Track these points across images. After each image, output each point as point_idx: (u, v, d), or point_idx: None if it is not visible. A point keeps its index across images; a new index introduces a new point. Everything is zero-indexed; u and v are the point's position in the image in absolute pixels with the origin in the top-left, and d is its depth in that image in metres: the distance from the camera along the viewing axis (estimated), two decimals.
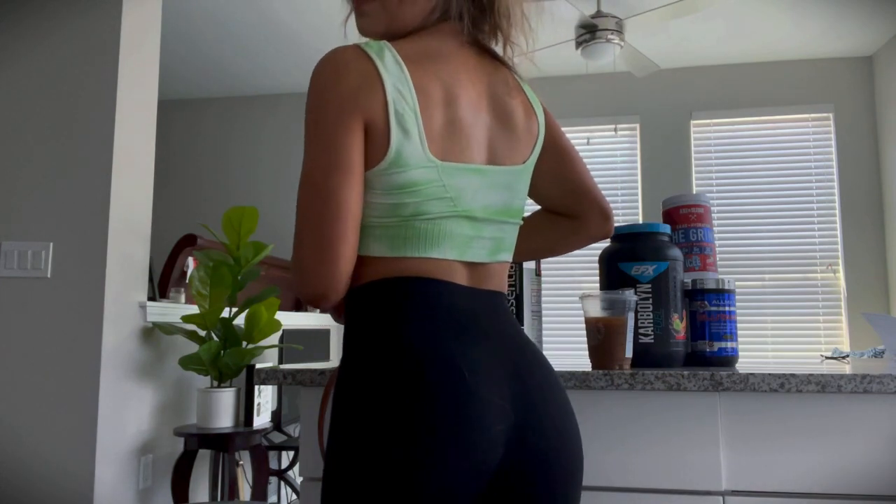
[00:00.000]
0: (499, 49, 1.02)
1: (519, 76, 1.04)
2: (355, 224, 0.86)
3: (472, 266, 0.94)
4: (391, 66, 0.88)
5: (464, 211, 0.91)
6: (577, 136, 4.92)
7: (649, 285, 1.33)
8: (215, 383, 2.61)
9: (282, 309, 3.66)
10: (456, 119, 0.91)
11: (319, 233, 0.84)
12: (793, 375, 1.10)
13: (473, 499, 0.83)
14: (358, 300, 0.90)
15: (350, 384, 0.85)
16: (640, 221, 4.75)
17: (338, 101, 0.86)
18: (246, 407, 2.66)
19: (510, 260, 1.02)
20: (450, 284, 0.90)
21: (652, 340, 1.31)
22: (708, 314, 1.37)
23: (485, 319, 0.91)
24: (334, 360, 4.83)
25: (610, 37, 3.47)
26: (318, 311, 0.76)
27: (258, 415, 2.70)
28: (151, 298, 3.00)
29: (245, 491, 3.04)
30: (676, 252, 1.36)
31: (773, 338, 4.53)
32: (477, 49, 1.00)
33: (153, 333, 2.67)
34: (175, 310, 2.78)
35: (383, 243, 0.89)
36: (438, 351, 0.83)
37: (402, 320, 0.86)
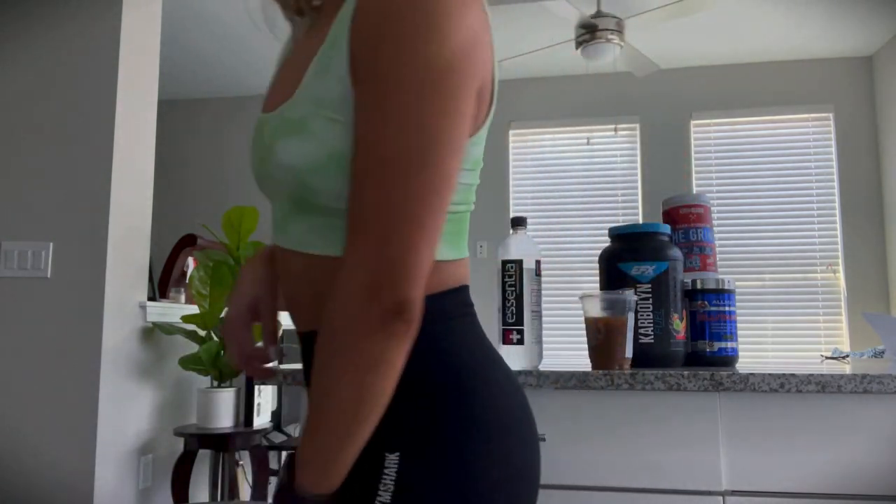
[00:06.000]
0: None
1: None
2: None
3: None
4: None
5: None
6: (577, 136, 4.92)
7: (649, 285, 1.33)
8: (215, 383, 2.61)
9: (281, 309, 3.66)
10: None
11: (432, 213, 0.60)
12: (793, 375, 1.10)
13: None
14: (439, 310, 0.69)
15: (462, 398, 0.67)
16: (640, 221, 4.75)
17: (464, 45, 0.61)
18: (246, 407, 2.66)
19: None
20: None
21: (652, 340, 1.31)
22: (708, 314, 1.37)
23: None
24: None
25: (610, 37, 3.47)
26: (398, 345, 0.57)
27: (258, 415, 2.70)
28: (151, 298, 3.00)
29: (245, 491, 3.04)
30: (676, 252, 1.36)
31: (773, 338, 4.53)
32: None
33: (153, 333, 2.67)
34: (175, 310, 2.78)
35: (446, 241, 0.70)
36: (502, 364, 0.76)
37: (475, 338, 0.73)
